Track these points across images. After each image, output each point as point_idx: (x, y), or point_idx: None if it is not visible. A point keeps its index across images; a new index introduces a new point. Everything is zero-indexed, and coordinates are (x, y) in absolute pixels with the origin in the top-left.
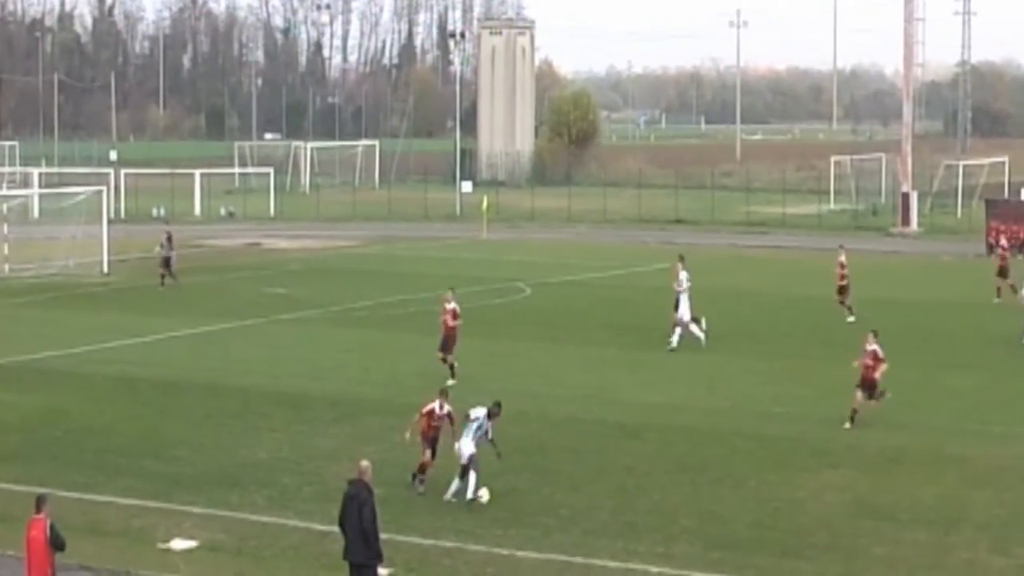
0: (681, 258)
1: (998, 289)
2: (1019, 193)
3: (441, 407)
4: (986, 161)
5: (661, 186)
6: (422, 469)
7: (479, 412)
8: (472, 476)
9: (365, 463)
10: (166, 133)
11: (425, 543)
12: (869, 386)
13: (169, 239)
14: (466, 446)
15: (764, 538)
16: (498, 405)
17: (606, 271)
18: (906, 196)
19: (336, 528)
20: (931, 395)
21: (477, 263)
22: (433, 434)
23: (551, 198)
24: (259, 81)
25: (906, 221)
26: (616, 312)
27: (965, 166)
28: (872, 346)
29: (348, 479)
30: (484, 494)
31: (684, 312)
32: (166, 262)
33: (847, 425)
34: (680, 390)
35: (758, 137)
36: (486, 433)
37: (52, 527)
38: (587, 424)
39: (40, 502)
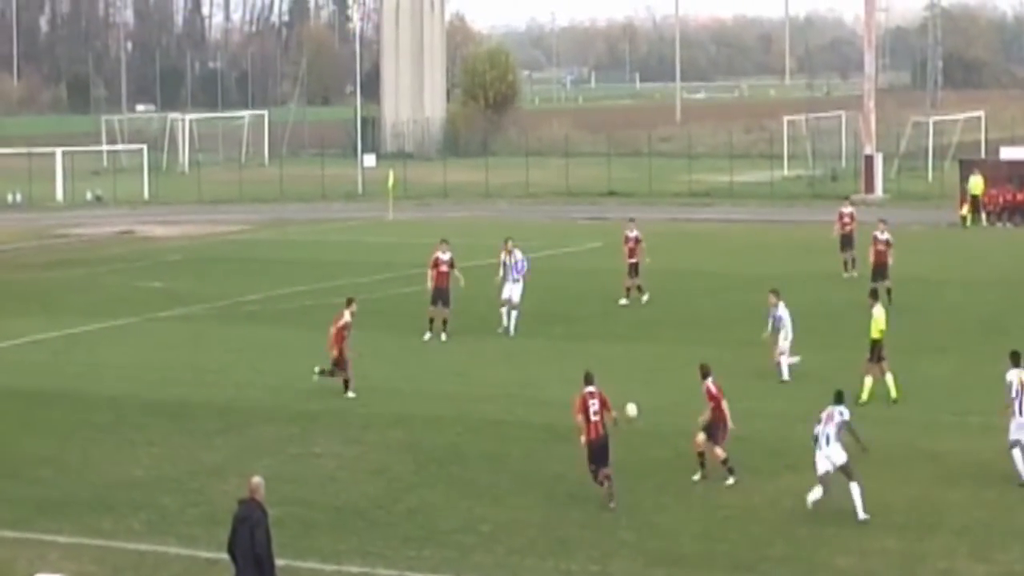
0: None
1: (845, 263)
2: (997, 152)
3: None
4: (960, 116)
5: (591, 154)
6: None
7: (843, 410)
8: (856, 488)
9: (257, 479)
10: (21, 106)
11: (327, 568)
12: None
13: None
14: (836, 451)
15: (713, 551)
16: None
17: (530, 252)
18: (870, 159)
19: (225, 555)
20: (901, 384)
21: (383, 247)
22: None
23: (466, 171)
24: (128, 45)
25: (870, 187)
26: (542, 298)
27: (936, 123)
28: None
29: (238, 499)
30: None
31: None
32: None
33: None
34: (615, 386)
35: (701, 96)
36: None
37: None
38: (510, 427)
39: None
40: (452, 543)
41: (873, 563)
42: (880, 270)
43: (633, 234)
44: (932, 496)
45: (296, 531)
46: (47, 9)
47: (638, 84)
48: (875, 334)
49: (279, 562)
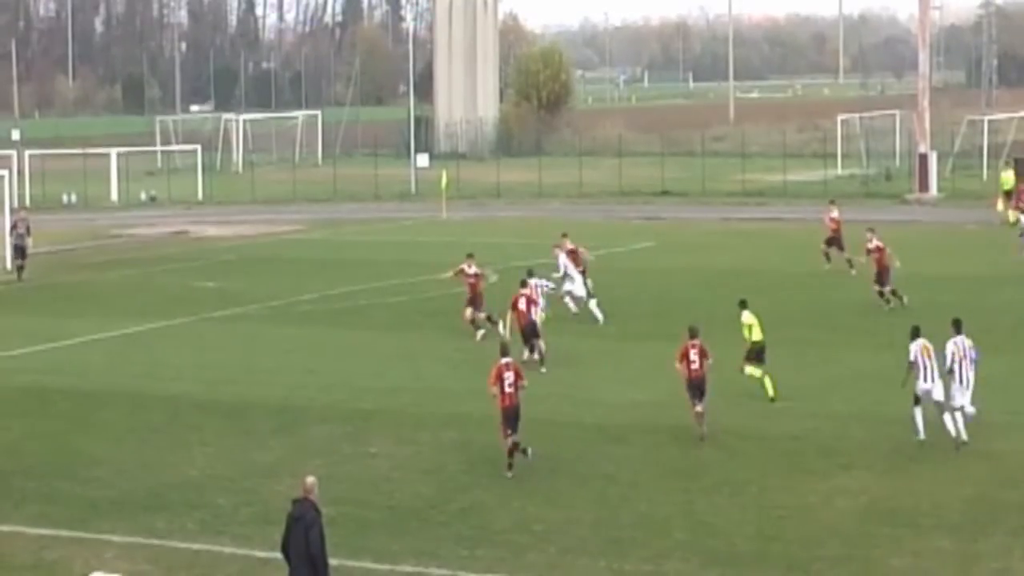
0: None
1: (826, 255)
2: None
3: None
4: (1015, 115)
5: (644, 154)
6: None
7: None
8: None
9: (311, 479)
10: (76, 107)
11: (381, 568)
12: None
13: (27, 226)
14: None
15: (767, 551)
16: None
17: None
18: (924, 158)
19: (279, 554)
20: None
21: (436, 247)
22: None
23: (519, 171)
24: (183, 45)
25: (924, 186)
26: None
27: (991, 121)
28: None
29: (292, 498)
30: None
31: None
32: (22, 252)
33: (700, 438)
34: (667, 385)
35: (754, 95)
36: None
37: None
38: (563, 427)
39: None
40: (505, 543)
41: (928, 563)
42: (882, 274)
43: None
44: (987, 496)
45: (350, 530)
46: (102, 10)
47: (691, 83)
48: (756, 337)
49: (332, 561)
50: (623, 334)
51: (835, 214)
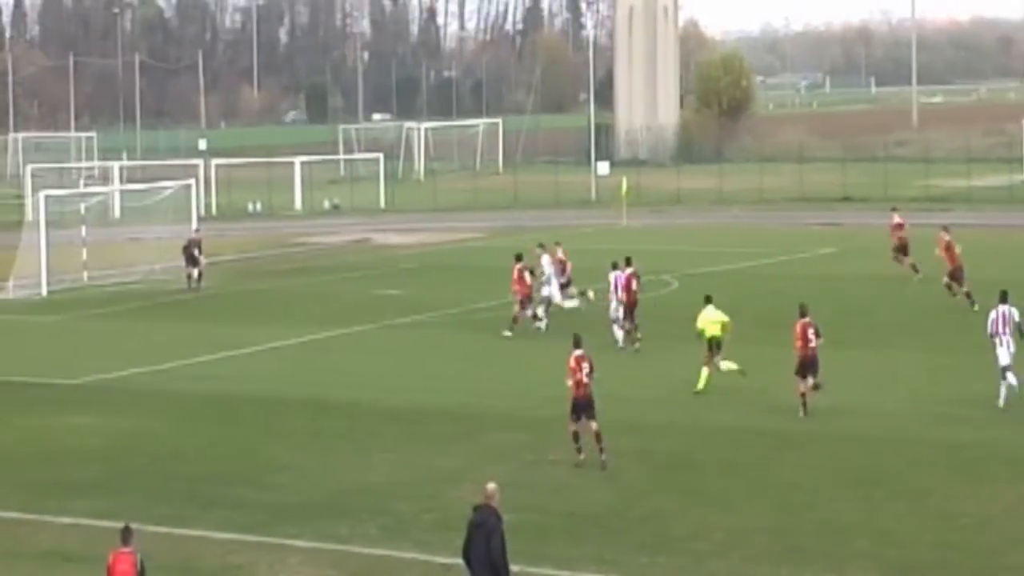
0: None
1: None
2: None
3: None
4: None
5: (825, 160)
6: None
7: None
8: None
9: (492, 486)
10: (261, 117)
11: (561, 575)
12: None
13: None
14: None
15: (950, 560)
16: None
17: (763, 259)
18: None
19: (460, 560)
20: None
21: (616, 254)
22: None
23: (699, 178)
24: (365, 55)
25: None
26: (774, 306)
27: None
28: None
29: (473, 505)
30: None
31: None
32: (195, 261)
33: (801, 414)
34: (848, 392)
35: (938, 100)
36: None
37: (142, 562)
38: (743, 434)
39: (126, 534)
40: (686, 550)
41: None
42: (955, 272)
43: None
44: None
45: (530, 537)
46: (286, 21)
47: (873, 88)
48: (714, 331)
49: (513, 568)
50: None
51: (897, 220)
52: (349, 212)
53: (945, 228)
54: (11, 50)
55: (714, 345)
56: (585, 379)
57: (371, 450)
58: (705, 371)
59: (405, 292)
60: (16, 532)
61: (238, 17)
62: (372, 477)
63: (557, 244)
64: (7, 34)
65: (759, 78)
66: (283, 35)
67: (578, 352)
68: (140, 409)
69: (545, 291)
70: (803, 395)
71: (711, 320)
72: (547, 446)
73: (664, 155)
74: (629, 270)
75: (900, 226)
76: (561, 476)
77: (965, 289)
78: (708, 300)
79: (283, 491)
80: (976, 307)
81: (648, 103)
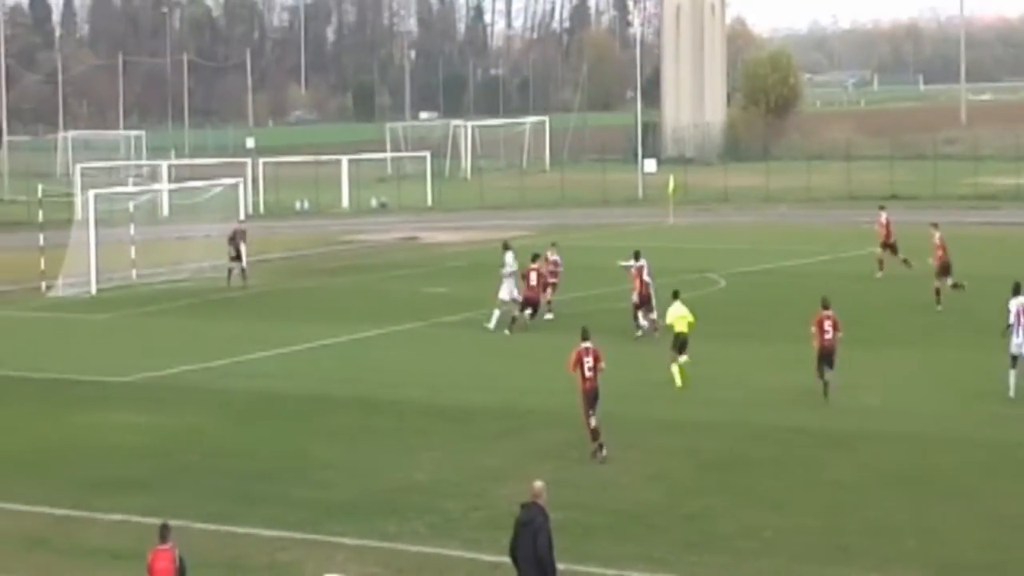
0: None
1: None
2: None
3: None
4: None
5: (873, 157)
6: None
7: None
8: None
9: (539, 484)
10: (309, 115)
11: (608, 573)
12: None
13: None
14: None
15: (999, 561)
16: None
17: (810, 257)
18: None
19: (507, 558)
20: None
21: (663, 252)
22: None
23: (747, 175)
24: (412, 53)
25: None
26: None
27: None
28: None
29: (520, 503)
30: None
31: (504, 294)
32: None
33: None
34: (897, 391)
35: (987, 97)
36: None
37: (181, 559)
38: (790, 433)
39: (164, 531)
40: (733, 549)
41: None
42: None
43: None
44: None
45: (576, 536)
46: (333, 19)
47: (922, 86)
48: (681, 328)
49: (559, 566)
50: (850, 339)
51: (884, 218)
52: (396, 210)
53: (934, 225)
54: (61, 49)
55: (679, 342)
56: (588, 372)
57: (418, 448)
58: (675, 367)
59: (453, 290)
60: (67, 528)
61: (286, 16)
62: (419, 475)
63: (553, 245)
64: (57, 33)
65: (806, 76)
66: (330, 34)
67: (584, 344)
68: (189, 407)
69: (503, 292)
70: (825, 383)
71: (678, 316)
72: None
73: (711, 153)
74: (637, 263)
75: (887, 224)
76: (607, 474)
77: (942, 284)
78: (676, 295)
79: (331, 489)
80: (940, 308)
81: (695, 101)
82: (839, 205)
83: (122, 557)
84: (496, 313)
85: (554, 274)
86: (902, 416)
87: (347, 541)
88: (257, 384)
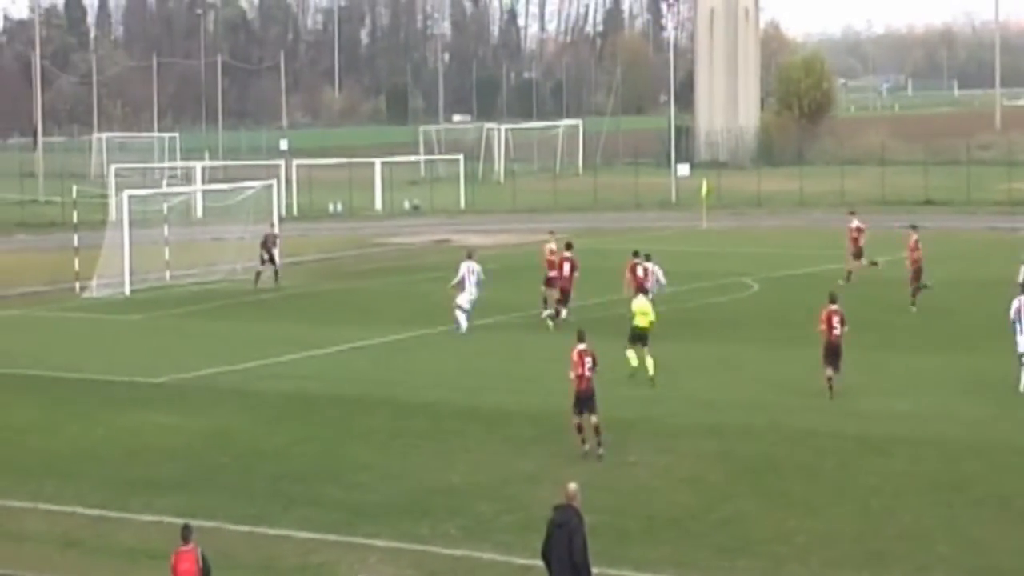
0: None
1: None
2: None
3: None
4: None
5: (907, 163)
6: None
7: None
8: None
9: (573, 486)
10: (342, 118)
11: None
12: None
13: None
14: None
15: None
16: None
17: (844, 262)
18: None
19: (539, 562)
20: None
21: (697, 256)
22: None
23: (780, 180)
24: (446, 56)
25: None
26: (856, 308)
27: None
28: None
29: (554, 505)
30: None
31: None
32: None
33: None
34: (932, 396)
35: (1022, 102)
36: None
37: (204, 558)
38: (824, 438)
39: (186, 532)
40: (766, 554)
41: None
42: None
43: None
44: None
45: (609, 539)
46: (367, 22)
47: (956, 91)
48: (643, 323)
49: (594, 569)
50: (883, 344)
51: (855, 224)
52: (429, 213)
53: (913, 227)
54: (95, 51)
55: (635, 335)
56: (587, 373)
57: (452, 450)
58: (631, 352)
59: (485, 293)
60: (100, 529)
61: (320, 18)
62: (452, 477)
63: (551, 233)
64: (92, 35)
65: (840, 80)
66: (364, 36)
67: (581, 346)
68: (222, 408)
69: (459, 297)
70: (829, 380)
71: (641, 310)
72: (626, 448)
73: (744, 157)
74: (636, 260)
75: (860, 230)
76: (640, 478)
77: (916, 286)
78: (642, 291)
79: (364, 491)
80: (915, 309)
81: (729, 105)
82: (873, 210)
83: (156, 557)
84: (462, 316)
85: (551, 264)
86: (934, 421)
87: (379, 543)
88: (290, 386)
